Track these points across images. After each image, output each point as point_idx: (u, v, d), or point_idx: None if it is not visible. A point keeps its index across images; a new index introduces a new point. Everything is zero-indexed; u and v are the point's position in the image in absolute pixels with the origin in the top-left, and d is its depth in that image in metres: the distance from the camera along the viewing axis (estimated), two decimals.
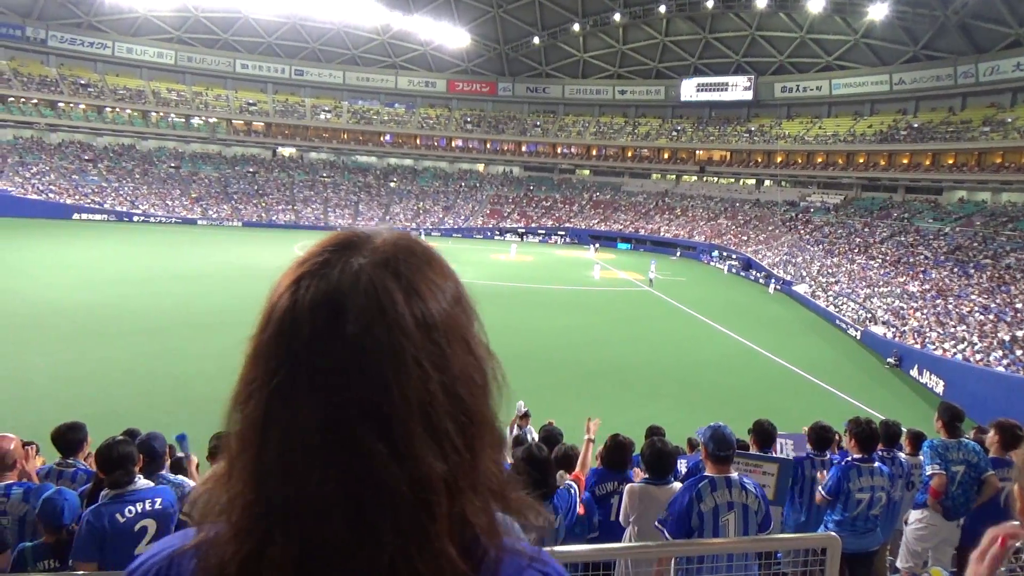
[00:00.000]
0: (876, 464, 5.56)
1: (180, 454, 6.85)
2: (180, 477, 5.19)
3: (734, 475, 4.40)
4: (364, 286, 0.71)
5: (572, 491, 4.50)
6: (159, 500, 3.86)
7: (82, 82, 65.37)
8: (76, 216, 53.91)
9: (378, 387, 0.68)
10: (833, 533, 3.81)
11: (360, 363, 0.68)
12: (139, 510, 3.78)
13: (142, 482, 3.91)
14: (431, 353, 0.72)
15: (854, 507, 5.43)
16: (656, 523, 4.64)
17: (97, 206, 56.46)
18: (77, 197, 56.66)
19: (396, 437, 0.68)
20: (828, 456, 6.34)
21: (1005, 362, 22.04)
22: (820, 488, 5.62)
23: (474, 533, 0.74)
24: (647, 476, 5.29)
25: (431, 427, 0.71)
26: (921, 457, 5.91)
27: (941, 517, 5.65)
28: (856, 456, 5.60)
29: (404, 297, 0.72)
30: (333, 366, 0.68)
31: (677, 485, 5.31)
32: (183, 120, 69.64)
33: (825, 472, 5.84)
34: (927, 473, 5.68)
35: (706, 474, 4.45)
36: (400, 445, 0.68)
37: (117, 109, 66.34)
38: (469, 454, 0.74)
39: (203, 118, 70.27)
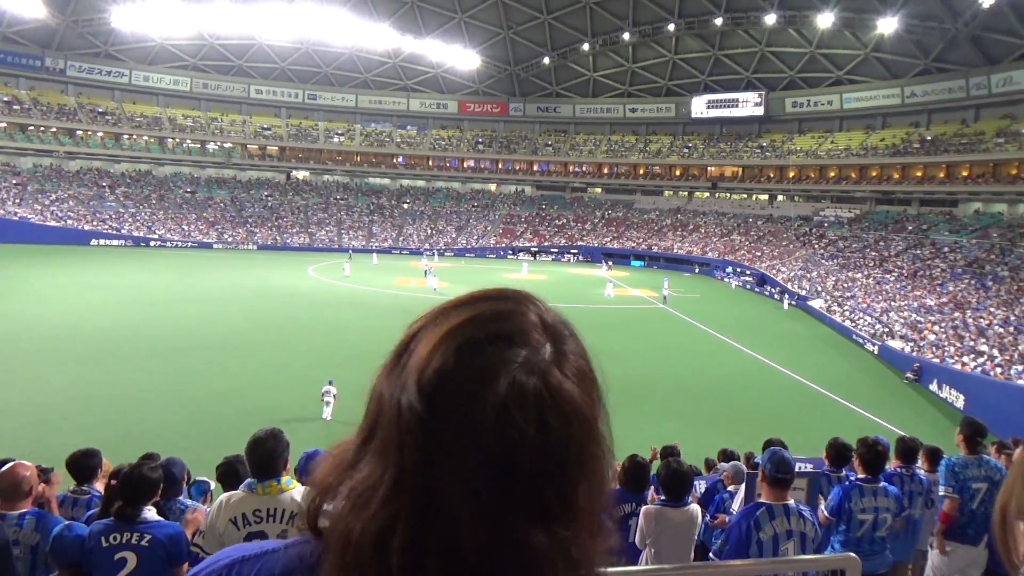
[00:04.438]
0: (881, 485, 5.43)
1: (200, 478, 6.85)
2: (195, 503, 5.19)
3: (791, 502, 4.33)
4: (555, 390, 0.72)
5: None
6: (148, 537, 3.71)
7: (100, 110, 66.50)
8: (94, 242, 54.62)
9: (555, 490, 0.70)
10: (852, 554, 3.74)
11: (543, 469, 0.69)
12: (123, 540, 3.67)
13: (149, 514, 3.83)
14: (589, 459, 0.74)
15: (857, 528, 5.31)
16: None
17: (114, 232, 57.20)
18: (95, 223, 57.43)
19: (573, 531, 0.71)
20: (844, 473, 6.24)
21: None
22: (823, 507, 5.52)
23: None
24: (663, 498, 5.24)
25: (594, 526, 0.75)
26: (938, 475, 5.80)
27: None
28: (860, 476, 5.50)
29: (581, 400, 0.74)
30: (520, 464, 0.69)
31: (694, 507, 5.26)
32: (199, 146, 70.60)
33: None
34: (940, 494, 5.57)
35: (762, 501, 4.37)
36: (565, 540, 0.71)
37: (134, 136, 67.41)
38: (592, 551, 0.76)
39: (218, 143, 71.23)
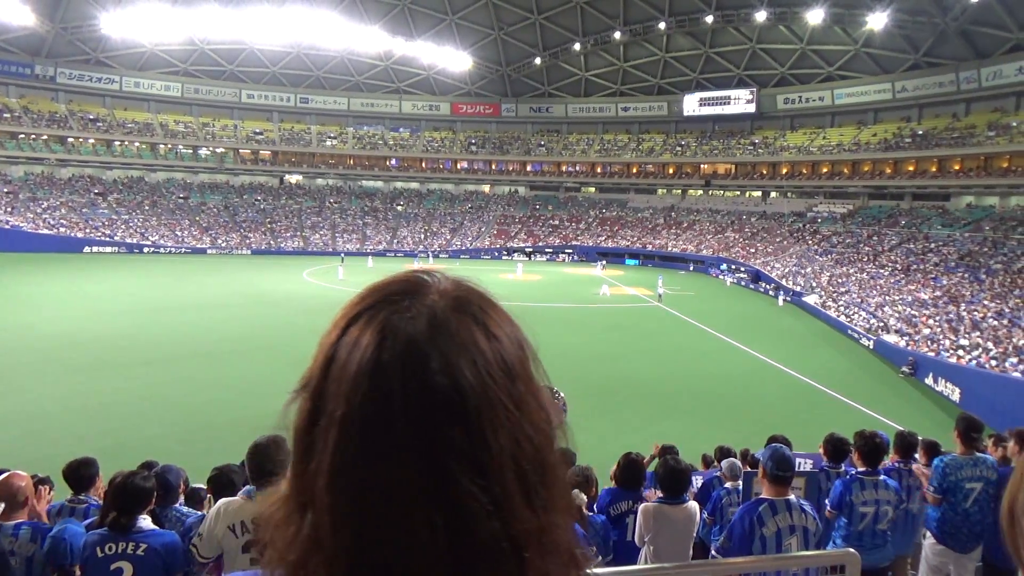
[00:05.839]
0: (881, 478, 5.45)
1: (197, 485, 6.82)
2: (192, 510, 5.17)
3: (792, 497, 4.34)
4: (448, 330, 0.68)
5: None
6: (144, 546, 3.69)
7: (91, 117, 66.28)
8: (87, 249, 54.37)
9: (475, 437, 0.66)
10: (851, 550, 3.75)
11: (456, 414, 0.65)
12: (119, 550, 3.65)
13: (144, 523, 3.82)
14: (514, 400, 0.69)
15: (859, 521, 5.33)
16: (713, 551, 4.56)
17: (108, 239, 56.95)
18: (88, 230, 57.21)
19: (494, 490, 0.66)
20: (843, 468, 6.26)
21: (1022, 368, 21.79)
22: (826, 502, 5.55)
23: None
24: (661, 495, 5.24)
25: (523, 479, 0.68)
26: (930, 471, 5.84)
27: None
28: (860, 469, 5.52)
29: (486, 341, 0.70)
30: (429, 421, 0.65)
31: (692, 504, 5.27)
32: (191, 151, 70.38)
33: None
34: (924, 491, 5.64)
35: (764, 497, 4.39)
36: (499, 498, 0.66)
37: (126, 142, 67.20)
38: (553, 508, 0.71)
39: (210, 148, 71.04)
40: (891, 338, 28.33)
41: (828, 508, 5.46)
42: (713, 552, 4.42)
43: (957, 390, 21.18)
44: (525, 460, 0.68)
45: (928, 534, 5.81)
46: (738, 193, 68.46)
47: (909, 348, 26.46)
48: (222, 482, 4.96)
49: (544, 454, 0.71)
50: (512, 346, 0.73)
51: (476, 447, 0.65)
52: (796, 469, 6.09)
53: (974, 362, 23.36)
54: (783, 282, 44.46)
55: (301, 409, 0.72)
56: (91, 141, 65.52)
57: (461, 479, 0.64)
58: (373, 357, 0.66)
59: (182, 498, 5.53)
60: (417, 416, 0.65)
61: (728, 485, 6.45)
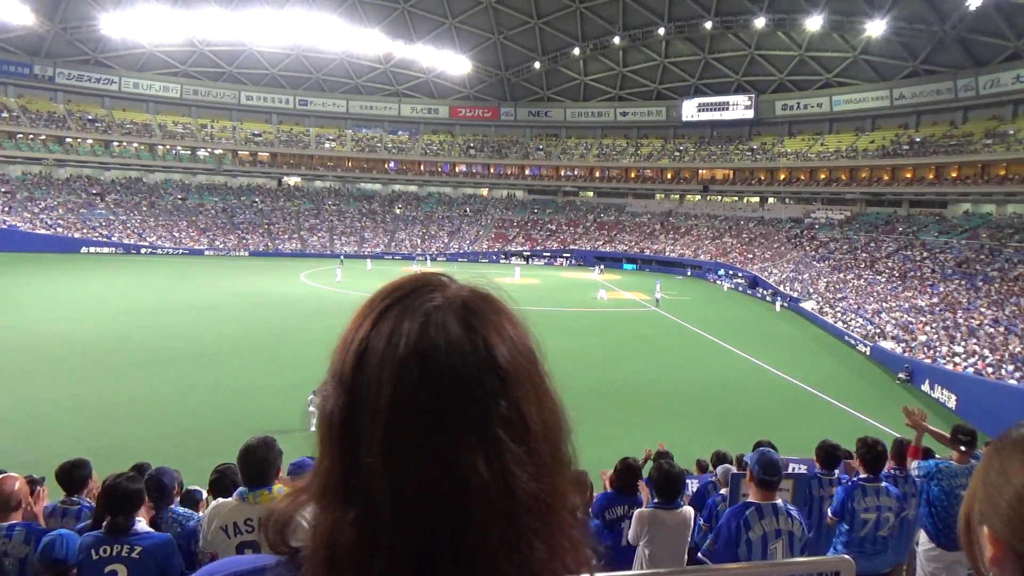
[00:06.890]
0: (883, 484, 5.47)
1: (192, 487, 6.79)
2: (189, 511, 5.15)
3: (779, 502, 4.35)
4: (480, 314, 0.75)
5: None
6: (138, 549, 3.65)
7: (89, 117, 66.22)
8: (84, 250, 54.28)
9: (514, 408, 0.72)
10: (846, 556, 3.74)
11: (499, 387, 0.71)
12: (113, 552, 3.62)
13: (140, 525, 3.80)
14: (539, 377, 0.78)
15: (860, 527, 5.33)
16: (700, 555, 4.55)
17: (105, 239, 56.84)
18: (85, 231, 57.11)
19: (532, 455, 0.72)
20: (837, 475, 6.26)
21: (1018, 375, 21.82)
22: (828, 509, 5.54)
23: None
24: (656, 500, 5.23)
25: (551, 447, 0.76)
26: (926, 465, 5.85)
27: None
28: (862, 476, 5.53)
29: (511, 326, 0.78)
30: (479, 395, 0.70)
31: (687, 508, 5.26)
32: (189, 152, 70.35)
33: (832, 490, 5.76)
34: (912, 471, 5.65)
35: (751, 501, 4.39)
36: (536, 462, 0.73)
37: (124, 143, 67.16)
38: (567, 477, 0.78)
39: (209, 150, 71.01)
40: (888, 344, 28.36)
41: (830, 515, 5.47)
42: (700, 555, 4.43)
43: (953, 397, 21.21)
44: (549, 431, 0.76)
45: (922, 541, 5.81)
46: (736, 199, 68.61)
47: (906, 355, 26.49)
48: (225, 484, 4.94)
49: (563, 426, 0.79)
50: (528, 334, 0.80)
51: (516, 416, 0.72)
52: (785, 472, 6.10)
53: (970, 369, 23.39)
54: (780, 288, 44.49)
55: (335, 402, 0.74)
56: (89, 141, 65.47)
57: (510, 446, 0.70)
58: (419, 341, 0.71)
59: (177, 500, 5.51)
60: (468, 392, 0.70)
61: (724, 492, 6.44)
